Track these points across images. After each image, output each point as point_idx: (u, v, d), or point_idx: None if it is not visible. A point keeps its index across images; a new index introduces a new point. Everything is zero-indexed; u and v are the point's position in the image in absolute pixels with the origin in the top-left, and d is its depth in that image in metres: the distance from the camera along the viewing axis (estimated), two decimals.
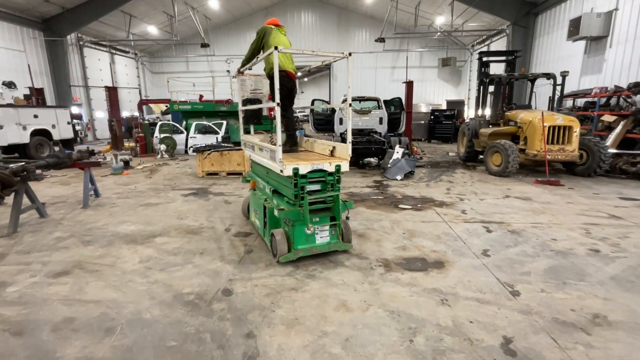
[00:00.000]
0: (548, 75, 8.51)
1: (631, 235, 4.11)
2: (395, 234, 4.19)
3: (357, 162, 9.34)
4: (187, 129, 12.78)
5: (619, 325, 2.41)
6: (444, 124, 16.00)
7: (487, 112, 9.76)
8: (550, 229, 4.32)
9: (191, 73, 22.65)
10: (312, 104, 12.76)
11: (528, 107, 8.72)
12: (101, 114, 18.99)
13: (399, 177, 7.41)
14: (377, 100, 11.74)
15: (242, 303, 2.74)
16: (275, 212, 3.31)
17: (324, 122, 12.98)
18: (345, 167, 3.37)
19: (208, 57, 22.42)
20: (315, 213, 3.37)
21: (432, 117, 16.30)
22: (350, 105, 3.40)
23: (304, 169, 3.26)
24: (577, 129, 7.17)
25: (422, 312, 2.58)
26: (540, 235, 4.10)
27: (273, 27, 3.94)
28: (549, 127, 7.18)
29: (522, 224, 4.54)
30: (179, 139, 12.39)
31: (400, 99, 12.40)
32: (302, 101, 26.89)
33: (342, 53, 3.31)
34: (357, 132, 10.64)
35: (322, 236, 3.46)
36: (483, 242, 3.93)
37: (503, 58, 10.32)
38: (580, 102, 11.70)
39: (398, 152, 7.93)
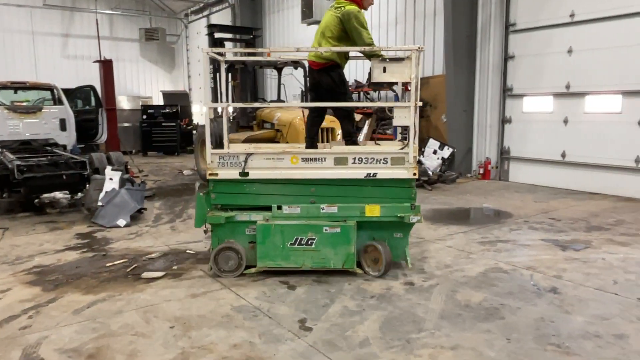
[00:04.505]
0: (297, 64, 10.07)
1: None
2: (157, 332, 3.53)
3: (29, 201, 7.71)
4: None
5: None
6: (164, 127, 16.04)
7: (230, 109, 10.45)
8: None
9: None
10: None
11: (281, 103, 9.98)
12: None
13: (122, 222, 6.60)
14: (50, 89, 10.19)
15: None
16: None
17: None
18: None
19: None
20: None
21: (144, 117, 16.02)
22: None
23: None
24: (339, 131, 8.81)
25: None
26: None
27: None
28: None
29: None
30: None
31: (93, 88, 11.34)
32: None
33: None
34: (21, 147, 8.95)
35: None
36: (292, 306, 3.96)
37: (239, 37, 11.43)
38: None
39: (112, 178, 7.09)
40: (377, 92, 12.25)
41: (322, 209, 4.56)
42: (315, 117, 5.55)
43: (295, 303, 4.05)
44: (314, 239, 4.47)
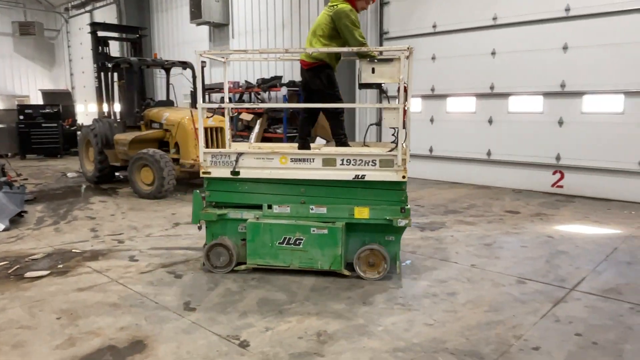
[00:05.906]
0: (185, 65, 10.22)
1: None
2: (43, 324, 3.68)
3: None
4: None
5: None
6: (44, 127, 15.17)
7: (117, 109, 10.31)
8: None
9: None
10: None
11: (170, 103, 10.06)
12: None
13: (1, 226, 6.40)
14: None
15: None
16: None
17: None
18: None
19: None
20: None
21: (21, 117, 15.02)
22: None
23: None
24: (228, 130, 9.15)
25: None
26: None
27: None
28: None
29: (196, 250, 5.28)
30: None
31: None
32: None
33: None
34: None
35: None
36: (178, 292, 4.29)
37: (124, 35, 11.25)
38: (216, 97, 14.90)
39: None
40: (267, 92, 12.71)
41: (312, 209, 4.59)
42: (306, 117, 5.52)
43: (182, 289, 4.39)
44: (302, 239, 4.53)
